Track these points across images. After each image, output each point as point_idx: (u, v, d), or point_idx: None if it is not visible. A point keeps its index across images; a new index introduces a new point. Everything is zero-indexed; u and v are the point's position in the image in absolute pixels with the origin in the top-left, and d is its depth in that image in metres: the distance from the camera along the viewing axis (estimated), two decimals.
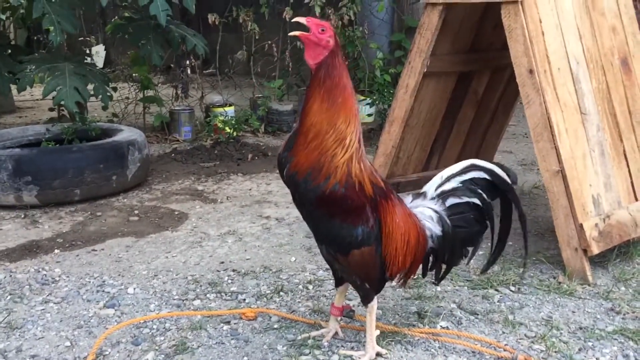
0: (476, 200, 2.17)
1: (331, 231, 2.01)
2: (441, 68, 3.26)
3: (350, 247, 2.01)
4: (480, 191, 2.18)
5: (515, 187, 2.25)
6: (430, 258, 2.21)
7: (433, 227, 2.14)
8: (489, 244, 2.30)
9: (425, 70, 3.11)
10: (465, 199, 2.17)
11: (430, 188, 2.21)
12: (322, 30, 1.92)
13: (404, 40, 6.40)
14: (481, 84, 3.62)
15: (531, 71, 2.69)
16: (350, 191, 1.95)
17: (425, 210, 2.16)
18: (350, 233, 1.99)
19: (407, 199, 2.22)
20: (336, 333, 2.24)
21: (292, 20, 2.06)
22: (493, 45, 3.49)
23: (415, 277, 2.25)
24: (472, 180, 2.19)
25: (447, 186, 2.19)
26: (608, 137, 2.94)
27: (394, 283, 2.22)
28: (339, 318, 2.25)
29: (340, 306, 2.24)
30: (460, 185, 2.19)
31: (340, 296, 2.25)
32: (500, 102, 3.81)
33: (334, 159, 1.92)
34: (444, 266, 2.26)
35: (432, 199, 2.18)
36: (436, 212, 2.15)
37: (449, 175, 2.21)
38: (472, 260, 2.88)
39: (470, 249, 2.25)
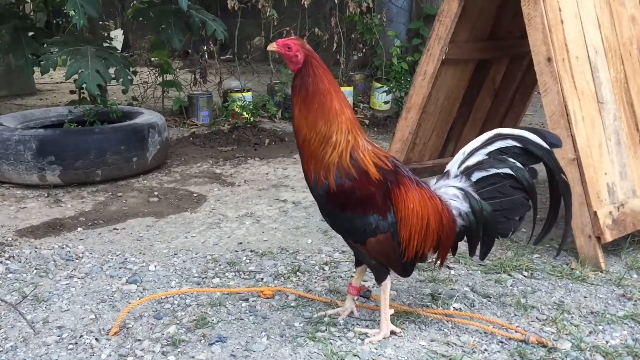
0: (506, 170, 2.10)
1: (345, 223, 2.09)
2: (459, 55, 3.28)
3: (366, 236, 2.08)
4: (510, 159, 2.11)
5: (555, 150, 2.13)
6: (466, 236, 2.19)
7: (460, 205, 2.13)
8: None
9: (443, 57, 3.14)
10: (494, 171, 2.11)
11: (453, 166, 2.19)
12: (288, 48, 2.03)
13: (421, 28, 6.40)
14: (499, 72, 3.64)
15: (549, 59, 2.71)
16: (356, 182, 2.01)
17: (449, 190, 2.16)
18: (364, 222, 2.05)
19: (432, 181, 2.24)
20: (352, 312, 2.30)
21: (267, 48, 2.17)
22: (512, 34, 3.50)
23: (452, 256, 2.25)
24: (499, 150, 2.13)
25: (471, 161, 2.14)
26: (624, 127, 2.95)
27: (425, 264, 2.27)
28: (355, 297, 2.31)
29: (358, 286, 2.29)
30: (486, 157, 2.13)
31: (358, 276, 2.31)
32: (518, 91, 3.82)
33: (325, 157, 2.01)
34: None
35: (456, 176, 2.16)
36: (460, 189, 2.14)
37: (472, 150, 2.16)
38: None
39: (519, 217, 2.18)
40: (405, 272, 2.19)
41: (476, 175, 2.14)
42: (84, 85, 4.24)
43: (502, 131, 2.17)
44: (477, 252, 2.25)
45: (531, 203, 2.18)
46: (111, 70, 4.35)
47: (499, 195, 2.13)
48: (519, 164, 2.12)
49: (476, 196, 2.12)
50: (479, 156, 2.14)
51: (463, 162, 2.16)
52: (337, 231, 2.21)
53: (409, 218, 2.08)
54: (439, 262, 2.22)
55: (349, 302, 2.31)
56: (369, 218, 2.05)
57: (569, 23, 2.77)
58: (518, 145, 2.13)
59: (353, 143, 2.03)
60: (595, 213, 2.67)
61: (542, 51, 2.72)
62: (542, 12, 2.70)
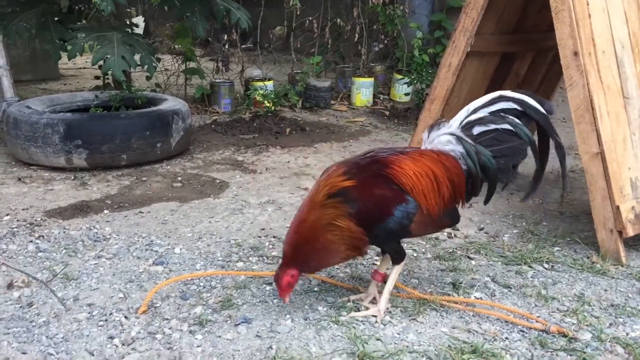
0: (506, 126, 2.22)
1: (388, 233, 2.16)
2: (485, 48, 3.29)
3: (408, 229, 2.17)
4: (510, 117, 2.22)
5: (551, 117, 2.26)
6: (470, 178, 2.25)
7: (455, 148, 2.23)
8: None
9: (469, 49, 3.15)
10: (493, 126, 2.22)
11: (455, 121, 2.27)
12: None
13: (444, 21, 6.39)
14: (523, 66, 3.64)
15: (576, 53, 2.72)
16: (361, 196, 2.10)
17: (442, 138, 2.25)
18: (396, 221, 2.13)
19: (424, 135, 2.32)
20: (374, 298, 2.34)
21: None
22: (537, 27, 3.50)
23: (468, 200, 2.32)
24: (501, 110, 2.24)
25: (474, 117, 2.25)
26: None
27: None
28: (379, 284, 2.35)
29: (383, 272, 2.33)
30: (487, 115, 2.24)
31: (384, 263, 2.36)
32: (542, 85, 3.83)
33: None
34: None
35: (455, 129, 2.24)
36: (451, 134, 2.23)
37: (475, 108, 2.26)
38: (506, 237, 2.98)
39: (517, 163, 2.29)
40: (452, 220, 2.30)
41: (477, 129, 2.24)
42: (110, 71, 4.31)
43: (505, 93, 2.28)
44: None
45: (531, 152, 2.29)
46: (136, 57, 4.41)
47: (497, 143, 2.23)
48: (517, 121, 2.23)
49: (469, 140, 2.21)
50: (481, 114, 2.25)
51: (466, 117, 2.25)
52: (390, 245, 2.26)
53: (416, 185, 2.14)
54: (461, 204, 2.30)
55: (372, 288, 2.35)
56: (395, 213, 2.12)
57: (596, 17, 2.78)
58: (518, 108, 2.24)
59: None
60: (617, 207, 2.68)
61: (569, 45, 2.73)
62: (570, 5, 2.71)
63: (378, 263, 2.53)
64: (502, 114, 2.24)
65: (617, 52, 2.85)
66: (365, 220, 2.10)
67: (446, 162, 2.21)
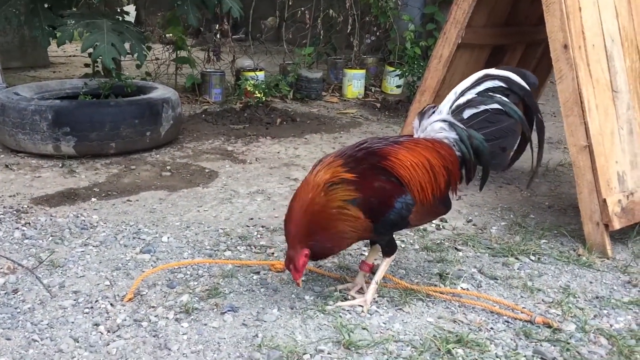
0: (495, 105, 2.24)
1: (388, 225, 2.17)
2: (476, 40, 3.29)
3: (408, 220, 2.18)
4: (497, 95, 2.24)
5: (533, 89, 2.29)
6: (463, 164, 2.28)
7: (448, 135, 2.24)
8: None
9: (460, 41, 3.15)
10: (483, 107, 2.24)
11: (445, 106, 2.28)
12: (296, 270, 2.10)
13: (436, 13, 6.38)
14: (514, 59, 3.65)
15: (566, 46, 2.72)
16: (362, 189, 2.08)
17: (434, 125, 2.26)
18: (397, 212, 2.14)
19: (415, 123, 2.33)
20: (362, 288, 2.34)
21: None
22: (528, 20, 3.51)
23: (460, 184, 2.33)
24: (488, 89, 2.26)
25: (462, 100, 2.26)
26: (637, 117, 2.97)
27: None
28: (366, 274, 2.36)
29: (371, 263, 2.34)
30: (475, 96, 2.25)
31: (372, 253, 2.36)
32: None
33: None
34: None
35: (446, 115, 2.25)
36: (443, 121, 2.24)
37: (462, 90, 2.27)
38: (493, 229, 2.99)
39: (510, 146, 2.32)
40: (447, 208, 2.32)
41: (467, 113, 2.25)
42: (99, 59, 4.28)
43: (490, 72, 2.30)
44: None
45: (524, 129, 2.31)
46: (126, 45, 4.38)
47: (489, 125, 2.24)
48: (505, 99, 2.25)
49: (461, 125, 2.23)
50: (469, 95, 2.26)
51: (455, 101, 2.26)
52: (385, 238, 2.25)
53: (413, 176, 2.14)
54: (453, 193, 2.32)
55: (359, 278, 2.35)
56: (396, 205, 2.13)
57: (587, 11, 2.78)
58: (504, 85, 2.27)
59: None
60: (604, 200, 2.70)
61: (559, 38, 2.73)
62: None
63: (366, 254, 2.53)
64: (489, 93, 2.25)
65: (607, 46, 2.86)
66: (369, 213, 2.10)
67: (441, 150, 2.22)
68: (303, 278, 2.45)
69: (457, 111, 2.25)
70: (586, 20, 2.78)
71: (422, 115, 2.32)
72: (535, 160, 2.46)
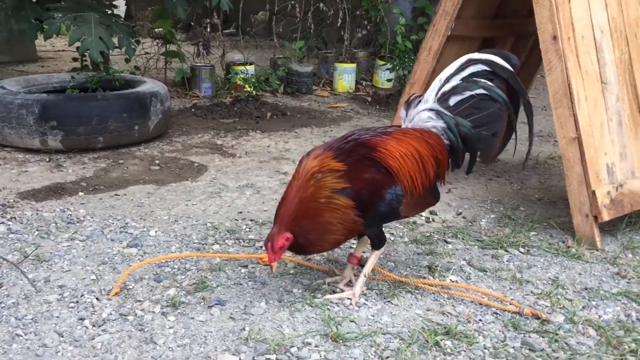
0: (480, 91, 2.23)
1: (379, 217, 2.16)
2: (465, 32, 3.28)
3: (398, 211, 2.17)
4: (482, 80, 2.24)
5: (515, 70, 2.29)
6: (450, 151, 2.27)
7: (436, 123, 2.23)
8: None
9: (449, 33, 3.14)
10: (468, 93, 2.23)
11: (430, 94, 2.27)
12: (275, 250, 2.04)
13: (427, 7, 6.36)
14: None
15: (555, 37, 2.71)
16: (353, 181, 2.07)
17: (422, 115, 2.25)
18: (387, 204, 2.13)
19: (402, 113, 2.32)
20: (350, 281, 2.33)
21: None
22: (518, 12, 3.50)
23: (449, 171, 2.33)
24: (471, 74, 2.25)
25: (447, 87, 2.25)
26: (627, 108, 2.96)
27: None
28: (355, 267, 2.34)
29: (359, 255, 2.32)
30: (460, 82, 2.24)
31: (360, 246, 2.34)
32: (522, 71, 3.82)
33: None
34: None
35: (433, 103, 2.24)
36: (430, 109, 2.23)
37: (447, 77, 2.26)
38: (483, 222, 2.99)
39: (496, 131, 2.31)
40: (435, 199, 2.33)
41: (453, 100, 2.24)
42: (87, 53, 4.23)
43: (473, 56, 2.29)
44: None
45: (509, 113, 2.31)
46: (115, 39, 4.33)
47: (475, 111, 2.23)
48: (489, 83, 2.24)
49: (448, 112, 2.22)
50: (454, 82, 2.25)
51: (440, 88, 2.26)
52: (374, 231, 2.23)
53: (402, 167, 2.13)
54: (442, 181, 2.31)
55: (348, 271, 2.34)
56: (386, 197, 2.12)
57: (576, 2, 2.77)
58: (487, 68, 2.26)
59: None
60: (593, 192, 2.70)
61: (548, 29, 2.72)
62: None
63: (354, 246, 2.51)
64: (474, 78, 2.25)
65: (596, 37, 2.85)
66: (359, 205, 2.08)
67: (429, 140, 2.21)
68: (292, 272, 2.44)
69: (443, 99, 2.24)
70: (575, 11, 2.77)
71: (408, 105, 2.31)
72: (528, 142, 2.48)
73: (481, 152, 2.32)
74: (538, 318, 2.11)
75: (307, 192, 2.04)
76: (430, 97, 2.26)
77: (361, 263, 2.35)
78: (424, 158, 2.17)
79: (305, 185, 2.05)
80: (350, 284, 2.32)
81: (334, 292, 2.28)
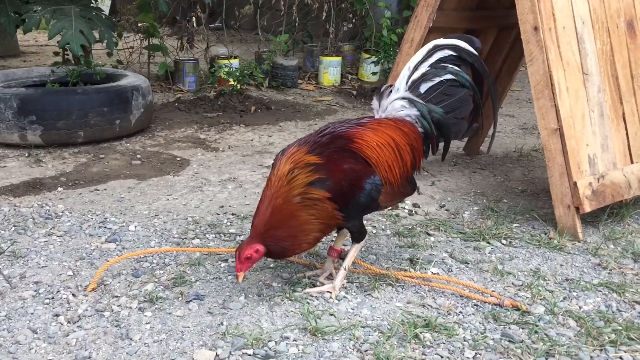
0: (448, 76, 2.24)
1: (359, 208, 2.14)
2: (447, 24, 3.25)
3: (377, 201, 2.16)
4: (449, 65, 2.25)
5: (478, 51, 2.33)
6: (427, 141, 2.28)
7: (410, 112, 2.23)
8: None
9: (431, 24, 3.11)
10: (437, 79, 2.24)
11: (401, 82, 2.27)
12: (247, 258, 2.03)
13: (412, 0, 6.34)
14: (486, 43, 3.62)
15: (536, 28, 2.70)
16: (331, 173, 2.05)
17: (395, 104, 2.25)
18: (367, 194, 2.11)
19: (375, 104, 2.31)
20: (330, 274, 2.31)
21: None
22: (500, 4, 3.47)
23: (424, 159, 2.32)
24: (440, 60, 2.26)
25: (417, 74, 2.25)
26: (608, 99, 2.96)
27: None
28: (335, 260, 2.32)
29: (339, 249, 2.31)
30: (429, 69, 2.25)
31: (340, 239, 2.32)
32: (505, 63, 3.81)
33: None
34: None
35: (404, 92, 2.25)
36: (403, 98, 2.23)
37: (416, 64, 2.27)
38: (466, 214, 2.98)
39: (467, 115, 2.32)
40: (412, 188, 2.31)
41: (423, 87, 2.25)
42: (68, 47, 4.17)
43: (439, 42, 2.30)
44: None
45: (475, 96, 2.31)
46: (96, 33, 4.27)
47: (446, 98, 2.25)
48: (457, 68, 2.26)
49: (420, 100, 2.23)
50: (423, 69, 2.26)
51: (410, 76, 2.26)
52: (355, 224, 2.20)
53: (380, 156, 2.12)
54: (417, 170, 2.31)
55: (328, 264, 2.32)
56: (365, 187, 2.10)
57: None
58: (454, 53, 2.27)
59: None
60: (575, 183, 2.69)
61: (529, 20, 2.71)
62: None
63: (334, 239, 2.49)
64: (442, 64, 2.25)
65: (578, 28, 2.84)
66: (339, 197, 2.05)
67: (404, 128, 2.20)
68: (272, 266, 2.42)
69: (413, 87, 2.24)
70: (556, 2, 2.75)
71: (380, 95, 2.29)
72: (493, 124, 2.51)
73: (454, 135, 2.33)
74: (518, 309, 2.11)
75: (279, 199, 2.01)
76: (401, 85, 2.25)
77: (341, 256, 2.33)
78: (400, 147, 2.16)
79: (278, 191, 2.02)
80: (330, 277, 2.29)
81: (314, 285, 2.25)
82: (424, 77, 2.24)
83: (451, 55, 2.27)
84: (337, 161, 2.06)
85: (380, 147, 2.11)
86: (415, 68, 2.25)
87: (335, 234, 2.37)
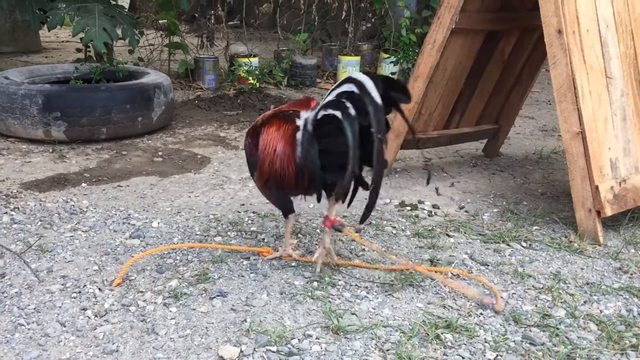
0: (337, 113, 2.01)
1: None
2: (470, 25, 3.26)
3: (254, 178, 2.42)
4: (347, 104, 2.00)
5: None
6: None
7: (299, 135, 2.20)
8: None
9: (453, 26, 3.12)
10: (330, 111, 2.04)
11: (325, 99, 2.13)
12: None
13: (432, 0, 6.34)
14: (508, 44, 3.62)
15: (560, 31, 2.69)
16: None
17: (308, 118, 2.19)
18: (251, 164, 2.40)
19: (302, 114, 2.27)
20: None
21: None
22: (523, 5, 3.47)
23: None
24: (343, 93, 2.04)
25: (329, 97, 2.09)
26: (631, 103, 2.95)
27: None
28: (327, 229, 2.32)
29: (333, 219, 2.30)
30: (333, 98, 2.06)
31: (330, 209, 2.33)
32: (527, 64, 3.80)
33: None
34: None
35: (312, 112, 2.17)
36: (306, 118, 2.18)
37: (335, 86, 2.09)
38: (486, 216, 2.98)
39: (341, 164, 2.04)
40: (279, 203, 2.42)
41: (321, 113, 2.09)
42: (91, 44, 4.23)
43: (353, 75, 2.04)
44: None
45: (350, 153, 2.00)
46: (118, 30, 4.33)
47: (332, 134, 2.03)
48: (351, 111, 1.99)
49: (309, 127, 2.13)
50: (332, 95, 2.08)
51: (327, 96, 2.11)
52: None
53: (267, 146, 2.28)
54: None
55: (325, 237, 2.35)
56: (250, 160, 2.41)
57: None
58: (356, 91, 1.99)
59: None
60: (596, 187, 2.69)
61: (553, 23, 2.71)
62: None
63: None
64: (343, 98, 2.02)
65: (601, 32, 2.84)
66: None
67: (292, 145, 2.22)
68: (294, 264, 2.45)
69: (323, 107, 2.09)
70: (580, 4, 2.75)
71: (314, 107, 2.24)
72: (369, 198, 2.09)
73: (329, 182, 2.15)
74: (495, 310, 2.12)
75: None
76: (323, 102, 2.13)
77: (333, 226, 2.30)
78: (279, 151, 2.25)
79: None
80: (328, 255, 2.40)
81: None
82: (326, 105, 2.07)
83: (353, 92, 2.00)
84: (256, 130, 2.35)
85: (270, 140, 2.27)
86: (332, 91, 2.09)
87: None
